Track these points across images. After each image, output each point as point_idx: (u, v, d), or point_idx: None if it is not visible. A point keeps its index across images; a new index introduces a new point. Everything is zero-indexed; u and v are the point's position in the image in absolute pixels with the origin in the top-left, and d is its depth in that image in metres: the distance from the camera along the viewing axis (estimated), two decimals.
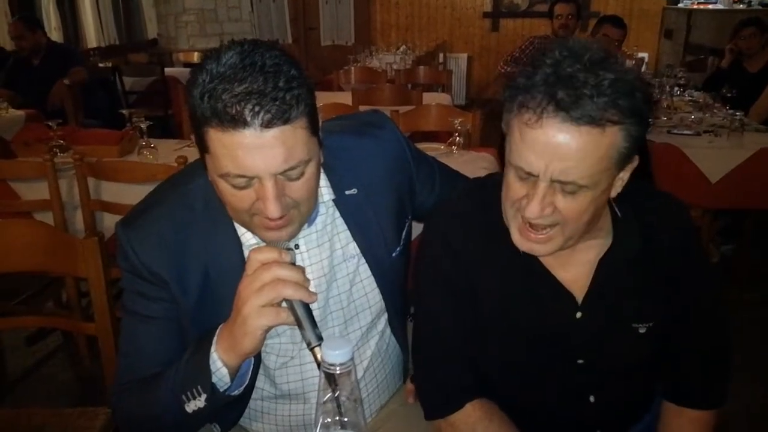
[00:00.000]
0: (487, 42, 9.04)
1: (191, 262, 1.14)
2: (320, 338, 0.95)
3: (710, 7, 7.62)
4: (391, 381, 1.41)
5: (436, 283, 1.22)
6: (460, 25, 9.04)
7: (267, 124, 0.92)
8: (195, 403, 1.04)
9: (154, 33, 8.48)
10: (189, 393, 1.04)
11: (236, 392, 1.09)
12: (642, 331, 1.18)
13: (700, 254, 1.24)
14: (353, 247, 1.25)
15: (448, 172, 1.48)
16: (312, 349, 0.94)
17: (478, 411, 1.18)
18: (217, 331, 1.05)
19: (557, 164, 0.96)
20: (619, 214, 1.16)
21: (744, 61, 4.48)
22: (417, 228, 1.35)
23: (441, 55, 8.24)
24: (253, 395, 1.27)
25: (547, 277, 1.17)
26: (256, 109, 0.91)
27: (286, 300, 0.97)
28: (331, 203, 1.22)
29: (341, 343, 0.82)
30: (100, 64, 6.45)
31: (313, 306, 1.15)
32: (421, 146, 3.10)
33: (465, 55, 9.00)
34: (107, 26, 7.58)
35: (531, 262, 1.14)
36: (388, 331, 1.37)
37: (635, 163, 1.05)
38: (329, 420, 0.84)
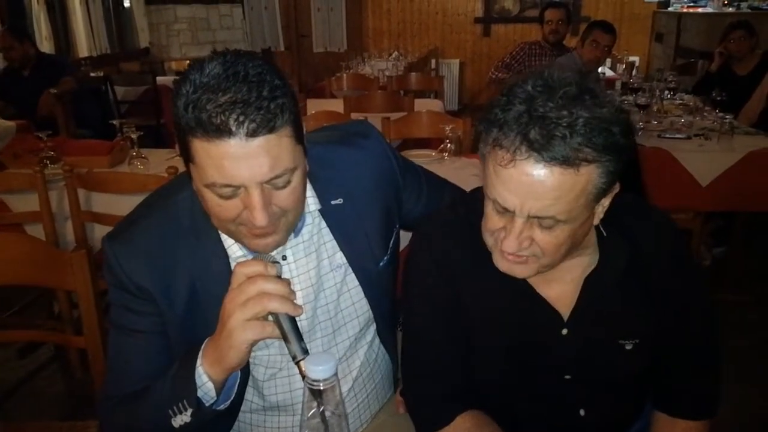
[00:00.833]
0: (479, 47, 9.07)
1: (178, 276, 1.13)
2: (306, 351, 0.95)
3: (700, 10, 7.66)
4: (380, 391, 1.41)
5: (423, 297, 1.21)
6: (451, 31, 9.06)
7: (252, 134, 0.92)
8: (181, 418, 1.03)
9: (145, 42, 8.47)
10: (175, 408, 1.03)
11: (222, 407, 1.08)
12: (629, 347, 1.17)
13: (689, 268, 1.23)
14: (340, 257, 1.25)
15: (436, 180, 1.49)
16: (297, 363, 0.94)
17: (468, 423, 1.18)
18: (203, 345, 1.04)
19: (533, 203, 0.95)
20: (604, 233, 1.15)
21: (733, 65, 4.50)
22: (405, 237, 1.35)
23: (433, 61, 8.26)
24: (243, 408, 1.26)
25: (532, 294, 1.17)
26: (241, 118, 0.91)
27: (272, 313, 0.97)
28: (318, 213, 1.22)
29: (325, 358, 0.82)
30: (92, 74, 6.43)
31: (301, 316, 1.15)
32: (412, 153, 3.15)
33: (457, 61, 9.02)
34: (99, 35, 7.57)
35: (515, 278, 1.14)
36: (377, 340, 1.37)
37: (617, 189, 1.04)
38: None
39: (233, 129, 0.92)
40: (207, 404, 1.04)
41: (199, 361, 1.03)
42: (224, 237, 1.15)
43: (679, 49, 7.37)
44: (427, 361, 1.22)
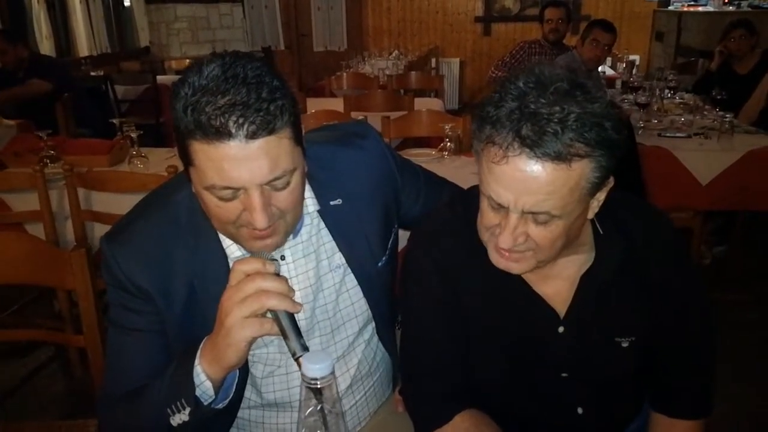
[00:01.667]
0: (479, 46, 9.06)
1: (176, 276, 1.13)
2: (305, 348, 0.95)
3: (700, 9, 7.65)
4: (379, 390, 1.41)
5: (421, 296, 1.22)
6: (452, 30, 9.05)
7: (252, 136, 0.93)
8: (180, 417, 1.04)
9: (146, 41, 8.47)
10: (173, 406, 1.03)
11: (221, 406, 1.08)
12: (625, 345, 1.18)
13: (686, 267, 1.23)
14: (339, 257, 1.25)
15: (434, 180, 1.49)
16: (297, 360, 0.94)
17: (467, 422, 1.18)
18: (201, 344, 1.04)
19: (527, 198, 0.96)
20: (600, 231, 1.15)
21: (733, 64, 4.50)
22: (404, 237, 1.35)
23: (433, 60, 8.25)
24: (242, 405, 1.27)
25: (528, 291, 1.17)
26: (241, 120, 0.91)
27: (271, 311, 0.97)
28: (316, 214, 1.22)
29: (321, 356, 0.82)
30: (92, 73, 6.45)
31: (300, 316, 1.15)
32: (412, 152, 3.15)
33: (457, 60, 9.01)
34: (99, 35, 7.57)
35: (511, 276, 1.14)
36: (376, 339, 1.37)
37: (611, 184, 1.04)
38: None
39: (233, 131, 0.92)
40: (205, 403, 1.04)
41: (197, 360, 1.03)
42: (223, 237, 1.15)
43: (680, 47, 7.36)
44: (426, 360, 1.22)
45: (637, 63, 6.75)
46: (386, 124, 3.45)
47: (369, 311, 1.31)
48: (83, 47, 7.34)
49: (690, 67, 5.84)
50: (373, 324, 1.35)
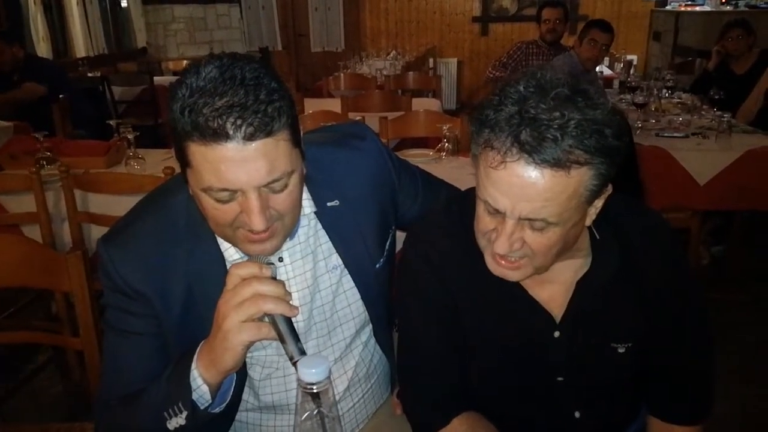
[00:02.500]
0: (477, 46, 9.06)
1: (174, 279, 1.13)
2: (303, 352, 0.95)
3: (697, 9, 7.65)
4: (377, 392, 1.40)
5: (417, 299, 1.21)
6: (449, 30, 9.05)
7: (249, 137, 0.92)
8: (176, 421, 1.03)
9: (143, 42, 8.46)
10: (170, 410, 1.03)
11: (217, 410, 1.08)
12: (621, 350, 1.17)
13: (683, 270, 1.22)
14: (336, 259, 1.25)
15: (432, 181, 1.48)
16: (295, 363, 0.93)
17: (465, 425, 1.17)
18: (198, 347, 1.04)
19: (524, 205, 0.95)
20: (597, 236, 1.14)
21: (731, 63, 4.50)
22: (401, 238, 1.34)
23: (431, 60, 8.25)
24: (239, 407, 1.26)
25: (524, 296, 1.16)
26: (239, 122, 0.91)
27: (268, 315, 0.97)
28: (313, 215, 1.22)
29: (317, 361, 0.81)
30: (89, 74, 6.44)
31: (297, 318, 1.15)
32: (410, 152, 3.15)
33: (455, 60, 9.01)
34: (96, 36, 7.56)
35: (507, 281, 1.14)
36: (373, 341, 1.37)
37: (609, 191, 1.03)
38: None
39: (230, 133, 0.91)
40: (202, 407, 1.04)
41: (194, 364, 1.02)
42: (221, 240, 1.14)
43: (677, 47, 7.36)
44: (423, 363, 1.22)
45: (635, 63, 6.76)
46: (384, 124, 3.44)
47: (366, 313, 1.31)
48: (80, 48, 7.33)
49: (687, 67, 5.84)
50: (371, 326, 1.34)
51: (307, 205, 1.19)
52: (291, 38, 9.26)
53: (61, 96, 4.72)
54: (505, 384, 1.22)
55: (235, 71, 0.94)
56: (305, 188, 1.17)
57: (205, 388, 1.02)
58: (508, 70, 5.03)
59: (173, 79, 1.00)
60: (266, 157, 0.95)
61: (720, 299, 3.21)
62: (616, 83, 5.19)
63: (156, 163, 2.99)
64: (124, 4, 8.21)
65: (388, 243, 1.32)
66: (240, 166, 0.93)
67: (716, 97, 3.86)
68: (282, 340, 0.96)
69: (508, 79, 0.99)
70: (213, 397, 1.04)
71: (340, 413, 1.30)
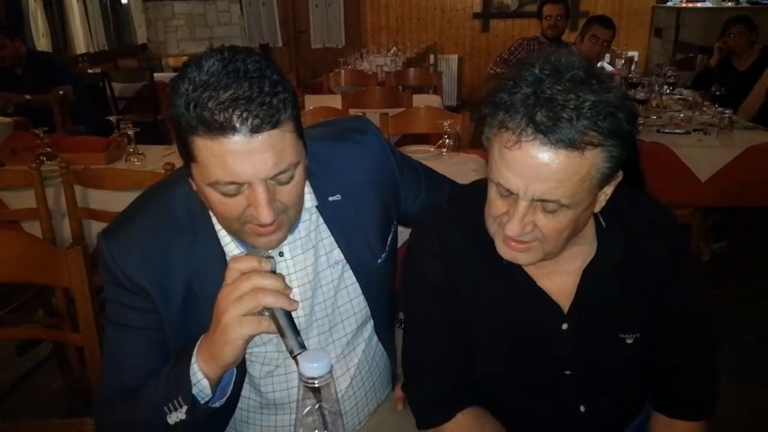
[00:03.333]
0: (478, 43, 9.05)
1: (174, 273, 1.12)
2: (303, 346, 0.94)
3: (699, 5, 7.63)
4: (379, 388, 1.40)
5: (423, 292, 1.21)
6: (450, 27, 9.04)
7: (256, 129, 0.92)
8: (176, 415, 1.03)
9: (143, 38, 8.46)
10: (170, 404, 1.02)
11: (218, 404, 1.07)
12: (629, 341, 1.17)
13: (687, 263, 1.22)
14: (338, 254, 1.24)
15: (434, 176, 1.48)
16: (295, 357, 0.93)
17: (469, 419, 1.17)
18: (198, 342, 1.04)
19: (537, 185, 0.95)
20: (603, 224, 1.14)
21: (732, 60, 4.49)
22: (404, 234, 1.34)
23: (432, 57, 8.24)
24: (239, 405, 1.26)
25: (532, 287, 1.16)
26: (245, 114, 0.90)
27: (268, 308, 0.96)
28: (314, 210, 1.21)
29: (319, 355, 0.81)
30: (89, 70, 6.43)
31: (298, 313, 1.14)
32: (411, 149, 3.14)
33: (455, 56, 9.00)
34: (96, 32, 7.55)
35: (515, 272, 1.13)
36: (375, 338, 1.36)
37: (620, 178, 1.03)
38: None
39: (237, 125, 0.91)
40: (202, 402, 1.03)
41: (194, 359, 1.02)
42: (221, 234, 1.14)
43: (678, 43, 7.35)
44: (428, 357, 1.21)
45: (636, 59, 6.76)
46: (384, 120, 3.43)
47: (367, 308, 1.30)
48: (80, 44, 7.33)
49: (689, 63, 5.83)
50: (372, 322, 1.34)
51: (309, 199, 1.19)
52: (291, 34, 9.25)
53: (61, 92, 4.71)
54: (510, 378, 1.22)
55: (237, 64, 0.93)
56: (307, 182, 1.17)
57: (205, 382, 1.02)
58: (509, 67, 5.02)
59: (173, 75, 0.99)
60: (273, 148, 0.94)
61: (721, 296, 3.20)
62: (617, 79, 5.16)
63: (156, 159, 2.99)
64: (124, 0, 8.19)
65: (390, 238, 1.32)
66: (247, 158, 0.93)
67: (717, 93, 3.85)
68: (282, 334, 0.95)
69: (522, 65, 0.99)
70: (213, 392, 1.04)
71: (342, 409, 1.29)
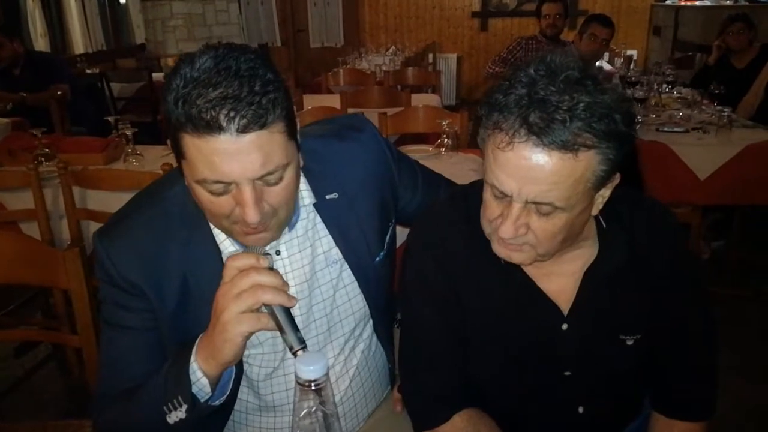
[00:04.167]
0: (477, 42, 9.04)
1: (169, 271, 1.12)
2: (302, 342, 0.94)
3: (697, 3, 7.63)
4: (377, 388, 1.39)
5: (421, 293, 1.20)
6: (449, 26, 9.03)
7: (243, 129, 0.91)
8: (176, 414, 1.02)
9: (141, 38, 8.45)
10: (170, 404, 1.02)
11: (218, 403, 1.07)
12: (630, 343, 1.16)
13: (689, 265, 1.21)
14: (335, 253, 1.24)
15: (431, 174, 1.47)
16: (295, 353, 0.93)
17: (466, 421, 1.17)
18: (197, 340, 1.03)
19: (530, 187, 0.94)
20: (604, 225, 1.14)
21: (731, 58, 4.49)
22: (402, 233, 1.33)
23: (430, 56, 8.22)
24: (238, 407, 1.25)
25: (531, 287, 1.15)
26: (232, 114, 0.90)
27: (266, 305, 0.96)
28: (312, 208, 1.21)
29: (315, 357, 0.81)
30: (88, 70, 6.42)
31: (296, 313, 1.14)
32: (409, 148, 3.14)
33: (454, 56, 8.99)
34: (94, 32, 7.54)
35: (514, 272, 1.13)
36: (374, 337, 1.36)
37: (617, 180, 1.02)
38: None
39: (224, 125, 0.90)
40: (202, 400, 1.03)
41: (193, 357, 1.02)
42: (216, 232, 1.13)
43: (677, 42, 7.35)
44: (426, 358, 1.21)
45: (635, 58, 6.75)
46: (383, 120, 3.43)
47: (366, 308, 1.30)
48: (78, 44, 7.31)
49: (688, 62, 5.83)
50: (371, 321, 1.33)
51: (307, 196, 1.18)
52: (290, 34, 9.24)
53: (59, 92, 4.69)
54: (509, 379, 1.21)
55: (230, 62, 0.93)
56: (304, 179, 1.17)
57: (204, 380, 1.02)
58: (507, 66, 5.02)
59: (168, 73, 0.99)
60: (260, 149, 0.94)
61: (720, 294, 3.20)
62: (616, 78, 5.16)
63: (154, 159, 2.98)
64: (122, 0, 8.18)
65: (388, 236, 1.31)
66: (234, 158, 0.92)
67: (716, 91, 3.85)
68: (281, 331, 0.96)
69: (518, 66, 0.98)
70: (213, 390, 1.04)
71: (341, 410, 1.29)
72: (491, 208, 1.03)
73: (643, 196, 1.24)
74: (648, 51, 8.54)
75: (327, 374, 0.81)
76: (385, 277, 1.33)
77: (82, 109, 5.06)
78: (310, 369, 0.80)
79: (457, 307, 1.18)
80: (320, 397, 0.81)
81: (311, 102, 4.27)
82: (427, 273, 1.18)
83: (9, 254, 1.60)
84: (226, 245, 1.14)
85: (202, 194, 0.99)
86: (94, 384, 1.60)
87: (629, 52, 6.49)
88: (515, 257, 1.06)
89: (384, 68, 5.89)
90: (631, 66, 5.43)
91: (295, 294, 1.17)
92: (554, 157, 0.91)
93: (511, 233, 0.99)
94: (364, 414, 1.37)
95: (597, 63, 4.77)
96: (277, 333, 0.97)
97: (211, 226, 1.13)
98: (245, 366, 1.20)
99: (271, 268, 0.98)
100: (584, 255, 1.14)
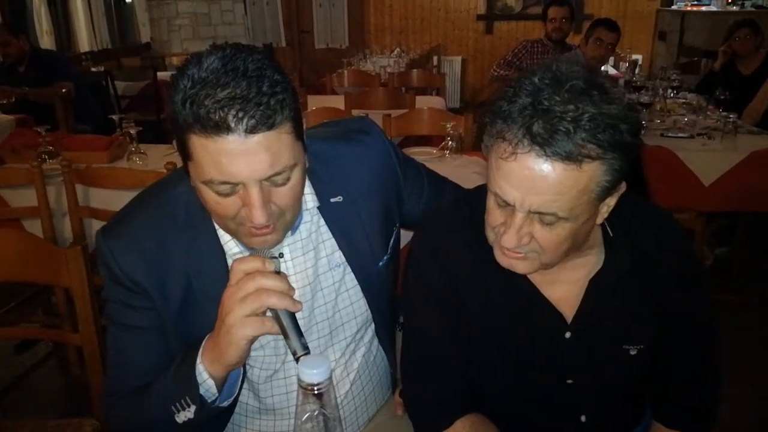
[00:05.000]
0: (482, 44, 9.03)
1: (173, 271, 1.12)
2: (306, 347, 0.94)
3: (703, 8, 7.63)
4: (378, 393, 1.39)
5: (424, 298, 1.19)
6: (454, 28, 9.02)
7: (251, 130, 0.91)
8: (185, 414, 1.03)
9: (147, 37, 8.46)
10: (178, 404, 1.03)
11: (225, 403, 1.08)
12: (633, 353, 1.15)
13: (694, 270, 1.20)
14: (339, 256, 1.23)
15: (436, 178, 1.46)
16: (298, 359, 0.93)
17: (468, 427, 1.16)
18: (203, 343, 1.03)
19: (534, 198, 0.93)
20: (610, 233, 1.13)
21: (737, 63, 4.48)
22: (406, 237, 1.32)
23: (435, 58, 8.22)
24: (237, 410, 1.25)
25: (535, 295, 1.14)
26: (240, 114, 0.89)
27: (271, 309, 0.96)
28: (316, 210, 1.20)
29: (319, 361, 0.80)
30: (93, 69, 6.42)
31: (298, 316, 1.13)
32: (413, 150, 3.13)
33: (459, 58, 8.98)
34: (100, 30, 7.56)
35: (518, 279, 1.12)
36: (376, 341, 1.35)
37: (623, 189, 1.01)
38: None
39: (232, 125, 0.90)
40: (209, 401, 1.03)
41: (198, 359, 1.02)
42: (221, 233, 1.13)
43: (683, 47, 7.34)
44: (428, 362, 1.20)
45: (640, 62, 6.75)
46: (387, 122, 3.42)
47: (369, 312, 1.29)
48: (84, 43, 7.33)
49: (693, 67, 5.81)
50: (373, 325, 1.33)
51: (310, 200, 1.18)
52: (295, 34, 9.24)
53: (64, 90, 4.70)
54: (511, 386, 1.20)
55: (237, 62, 0.92)
56: (308, 183, 1.16)
57: (210, 382, 1.02)
58: (513, 69, 5.01)
59: (174, 73, 0.99)
60: (268, 150, 0.93)
61: (724, 301, 3.18)
62: (621, 83, 5.15)
63: (158, 158, 2.97)
64: None
65: (392, 240, 1.31)
66: (241, 158, 0.92)
67: (722, 97, 3.84)
68: (285, 336, 0.95)
69: (524, 73, 0.97)
70: (219, 392, 1.04)
71: (342, 414, 1.28)
72: (494, 215, 1.02)
73: (647, 202, 1.23)
74: (653, 56, 8.53)
75: (330, 378, 0.80)
76: (388, 281, 1.32)
77: (86, 107, 5.07)
78: (313, 372, 0.79)
79: (460, 312, 1.17)
80: (322, 401, 0.80)
81: (315, 103, 4.26)
82: (431, 277, 1.17)
83: (11, 252, 1.59)
84: (231, 246, 1.13)
85: (209, 195, 0.99)
86: (94, 382, 1.61)
87: (634, 57, 6.49)
88: (518, 267, 1.05)
89: (389, 70, 5.89)
90: (637, 71, 5.44)
91: (297, 297, 1.16)
92: (558, 167, 0.90)
93: (514, 242, 0.98)
94: (365, 418, 1.36)
95: (602, 68, 4.76)
96: (280, 335, 0.97)
97: (216, 226, 1.12)
98: (246, 368, 1.19)
99: (277, 272, 0.97)
100: (589, 263, 1.13)
